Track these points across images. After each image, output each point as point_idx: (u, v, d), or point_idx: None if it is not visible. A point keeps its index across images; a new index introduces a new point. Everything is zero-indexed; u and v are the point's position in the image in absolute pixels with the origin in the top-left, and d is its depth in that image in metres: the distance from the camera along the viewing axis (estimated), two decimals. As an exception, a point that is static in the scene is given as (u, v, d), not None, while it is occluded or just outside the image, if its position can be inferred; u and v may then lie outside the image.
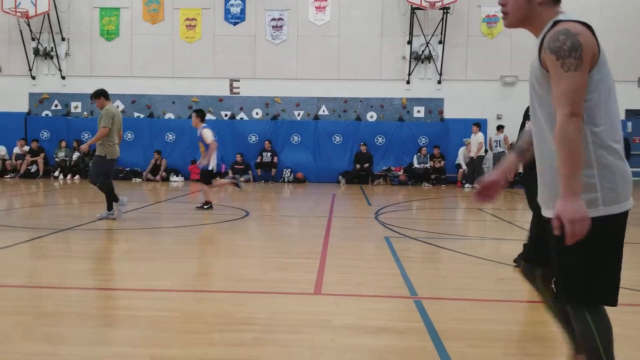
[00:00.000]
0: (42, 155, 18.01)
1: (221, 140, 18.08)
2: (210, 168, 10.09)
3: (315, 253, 6.14)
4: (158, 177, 17.49)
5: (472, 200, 2.98)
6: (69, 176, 17.71)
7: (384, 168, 17.84)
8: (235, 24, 18.45)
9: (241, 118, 18.64)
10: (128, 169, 18.05)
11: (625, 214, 2.26)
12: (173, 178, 17.67)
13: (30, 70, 18.67)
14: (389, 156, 18.11)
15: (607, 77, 2.22)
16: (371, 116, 18.47)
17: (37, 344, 3.37)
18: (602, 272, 2.25)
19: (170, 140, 18.40)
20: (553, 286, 2.41)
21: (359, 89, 18.30)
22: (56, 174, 17.82)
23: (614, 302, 2.28)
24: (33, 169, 17.86)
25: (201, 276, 5.17)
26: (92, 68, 18.79)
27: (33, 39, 18.47)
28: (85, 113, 18.85)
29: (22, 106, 18.88)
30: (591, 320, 2.27)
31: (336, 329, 3.65)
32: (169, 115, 18.77)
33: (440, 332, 3.60)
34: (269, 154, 17.83)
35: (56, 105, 18.91)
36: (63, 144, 18.10)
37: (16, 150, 18.19)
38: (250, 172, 17.80)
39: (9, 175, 17.72)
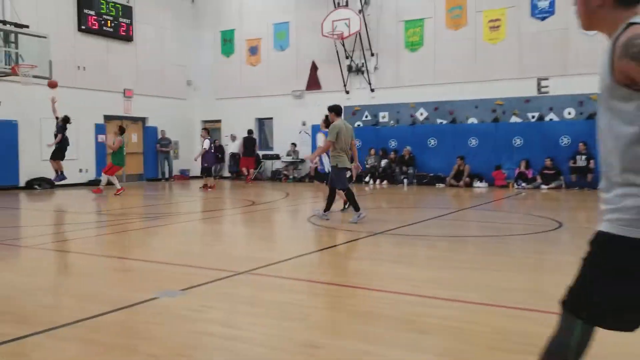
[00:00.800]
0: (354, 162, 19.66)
1: (528, 144, 17.33)
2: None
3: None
4: (461, 183, 17.49)
5: None
6: (377, 182, 18.97)
7: None
8: (543, 19, 17.37)
9: (550, 119, 17.42)
10: (432, 174, 18.49)
11: None
12: (477, 184, 17.46)
13: (344, 85, 20.60)
14: None
15: None
16: None
17: (356, 341, 3.56)
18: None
19: (473, 145, 18.24)
20: None
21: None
22: (366, 179, 19.27)
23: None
24: (347, 174, 19.60)
25: (510, 291, 4.87)
26: (398, 79, 19.81)
27: (347, 57, 20.34)
28: (391, 122, 19.96)
29: (339, 118, 20.92)
30: None
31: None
32: (472, 120, 18.62)
33: None
34: (583, 157, 16.23)
35: (366, 116, 20.47)
36: (372, 151, 19.48)
37: (334, 158, 20.24)
38: (561, 177, 16.48)
39: (328, 181, 19.80)
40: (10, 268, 6.17)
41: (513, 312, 4.21)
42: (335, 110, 9.66)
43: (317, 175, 11.46)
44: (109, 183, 15.48)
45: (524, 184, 16.65)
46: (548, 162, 16.62)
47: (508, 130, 17.79)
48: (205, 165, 17.01)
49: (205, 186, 16.85)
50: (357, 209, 9.23)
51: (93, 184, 19.37)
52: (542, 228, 8.62)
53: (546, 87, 17.43)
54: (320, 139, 11.12)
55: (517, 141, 17.59)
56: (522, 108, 17.79)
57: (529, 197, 14.34)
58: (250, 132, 21.81)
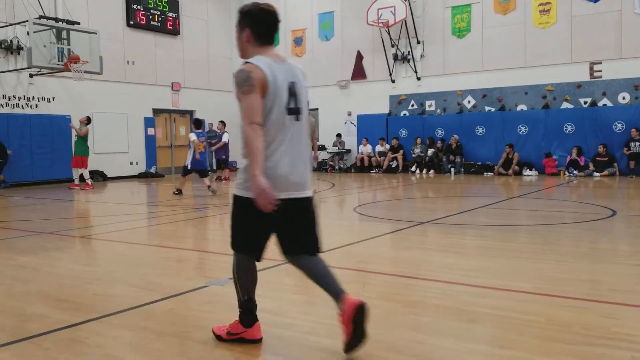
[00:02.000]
0: (401, 152, 19.51)
1: (580, 130, 16.79)
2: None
3: None
4: (510, 171, 17.11)
5: None
6: (424, 171, 18.75)
7: None
8: (595, 1, 16.73)
9: (604, 104, 16.81)
10: (480, 163, 18.16)
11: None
12: (526, 172, 17.04)
13: (390, 74, 20.39)
14: None
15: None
16: None
17: (405, 331, 3.53)
18: None
19: (522, 132, 17.80)
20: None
21: None
22: (413, 168, 19.07)
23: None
24: (394, 164, 19.49)
25: (563, 280, 4.73)
26: (445, 67, 19.48)
27: (392, 46, 20.12)
28: (438, 110, 19.66)
29: (384, 108, 20.77)
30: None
31: None
32: (521, 107, 18.16)
33: None
34: (637, 143, 15.63)
35: (412, 105, 20.22)
36: (418, 140, 19.25)
37: (378, 148, 20.12)
38: (615, 164, 15.91)
39: (374, 171, 19.75)
40: (67, 258, 6.38)
41: (568, 302, 4.08)
42: None
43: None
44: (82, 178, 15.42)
45: (575, 172, 16.16)
46: (601, 148, 16.06)
47: (559, 116, 17.27)
48: (224, 157, 17.21)
49: (219, 178, 17.11)
50: None
51: (144, 176, 19.87)
52: (595, 216, 8.34)
53: (599, 71, 16.82)
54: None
55: (569, 128, 17.06)
56: (574, 93, 17.24)
57: (581, 185, 13.92)
58: None
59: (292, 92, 3.10)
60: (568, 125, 17.08)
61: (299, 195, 3.14)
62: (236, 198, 3.19)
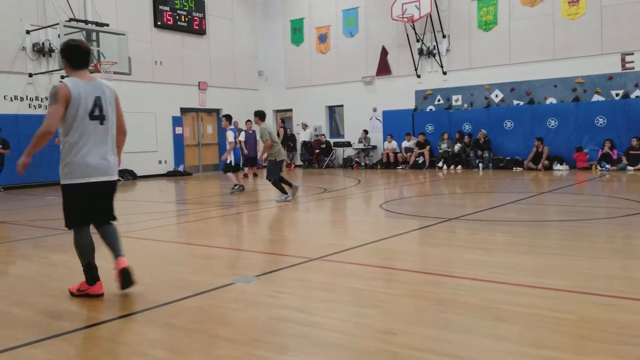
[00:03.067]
0: (427, 147, 19.34)
1: (612, 123, 16.42)
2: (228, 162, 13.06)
3: None
4: (540, 166, 16.83)
5: None
6: (451, 166, 18.56)
7: None
8: (626, -10, 16.33)
9: (637, 96, 16.40)
10: (508, 158, 17.90)
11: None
12: (557, 166, 16.73)
13: (415, 69, 20.22)
14: None
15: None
16: None
17: (434, 328, 3.48)
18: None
19: (552, 126, 17.48)
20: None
21: None
22: (440, 164, 18.89)
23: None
24: (420, 160, 19.34)
25: (596, 277, 4.62)
26: (471, 61, 19.24)
27: (417, 41, 19.95)
28: (465, 105, 19.44)
29: (409, 103, 20.62)
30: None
31: None
32: (551, 100, 17.84)
33: None
34: (672, 136, 15.23)
35: (438, 100, 20.03)
36: (445, 136, 19.06)
37: (404, 144, 19.98)
38: (648, 157, 15.55)
39: (400, 167, 19.62)
40: (99, 255, 6.47)
41: (602, 299, 3.98)
42: (259, 115, 11.33)
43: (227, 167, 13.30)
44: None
45: (608, 166, 15.81)
46: (634, 142, 15.68)
47: (590, 109, 16.91)
48: (253, 155, 16.80)
49: (246, 175, 17.10)
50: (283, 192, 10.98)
51: (172, 174, 20.09)
52: (629, 211, 8.14)
53: (631, 62, 16.42)
54: (230, 137, 13.08)
55: (600, 121, 16.70)
56: (605, 86, 16.86)
57: (613, 179, 13.61)
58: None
59: (97, 104, 4.30)
60: (599, 118, 16.72)
61: (105, 179, 4.36)
62: (63, 187, 4.33)
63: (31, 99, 16.77)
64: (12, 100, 16.31)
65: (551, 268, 4.99)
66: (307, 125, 22.85)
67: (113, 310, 4.08)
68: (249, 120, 16.86)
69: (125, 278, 4.34)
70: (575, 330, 3.37)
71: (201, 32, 21.54)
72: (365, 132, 21.29)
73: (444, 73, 19.79)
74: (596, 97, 17.02)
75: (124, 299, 4.39)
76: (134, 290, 4.64)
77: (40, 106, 16.90)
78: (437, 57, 19.77)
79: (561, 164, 16.75)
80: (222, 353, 3.20)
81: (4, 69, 16.10)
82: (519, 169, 17.29)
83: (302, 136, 22.96)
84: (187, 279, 5.02)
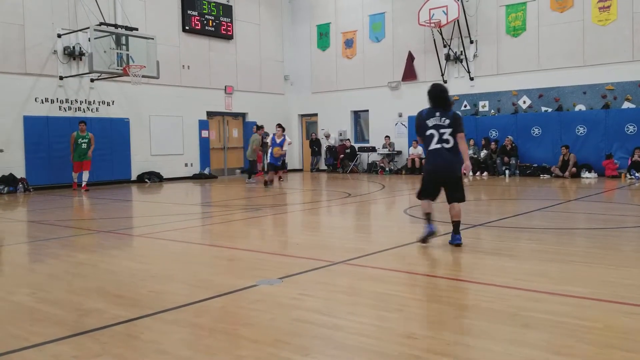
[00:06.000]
0: (453, 153, 19.16)
1: (643, 131, 16.13)
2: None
3: None
4: (567, 174, 16.58)
5: None
6: (477, 173, 18.38)
7: None
8: (659, -4, 16.04)
9: (668, 104, 16.07)
10: (535, 165, 17.68)
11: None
12: (584, 174, 16.46)
13: (442, 75, 20.10)
14: None
15: None
16: None
17: (456, 334, 3.47)
18: None
19: (581, 133, 17.21)
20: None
21: None
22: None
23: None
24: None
25: (623, 286, 4.54)
26: (499, 66, 19.06)
27: (444, 46, 19.84)
28: (492, 111, 19.26)
29: (436, 109, 20.45)
30: None
31: None
32: (580, 107, 17.57)
33: None
34: None
35: (465, 106, 19.88)
36: (471, 142, 18.89)
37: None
38: (680, 165, 15.20)
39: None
40: (125, 256, 6.59)
41: (628, 308, 3.91)
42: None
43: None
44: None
45: (638, 174, 15.50)
46: (666, 149, 15.36)
47: (620, 116, 16.61)
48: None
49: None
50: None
51: (198, 177, 20.30)
52: (661, 221, 7.97)
53: (664, 69, 16.10)
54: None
55: (630, 128, 16.39)
56: (636, 93, 16.55)
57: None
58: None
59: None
60: (630, 125, 16.41)
61: None
62: None
63: (61, 102, 17.09)
64: (42, 103, 16.65)
65: (577, 276, 4.92)
66: (329, 135, 22.93)
67: (139, 308, 4.14)
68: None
69: None
70: (600, 338, 3.32)
71: (228, 36, 21.74)
72: (388, 137, 21.21)
73: (471, 79, 19.65)
74: (626, 104, 16.72)
75: (149, 298, 4.45)
76: (159, 290, 4.71)
77: (70, 108, 17.22)
78: (464, 62, 19.64)
79: (590, 172, 16.48)
80: (245, 353, 3.23)
81: (35, 72, 16.47)
82: (547, 176, 17.05)
83: (327, 141, 23.06)
84: (211, 280, 5.07)
